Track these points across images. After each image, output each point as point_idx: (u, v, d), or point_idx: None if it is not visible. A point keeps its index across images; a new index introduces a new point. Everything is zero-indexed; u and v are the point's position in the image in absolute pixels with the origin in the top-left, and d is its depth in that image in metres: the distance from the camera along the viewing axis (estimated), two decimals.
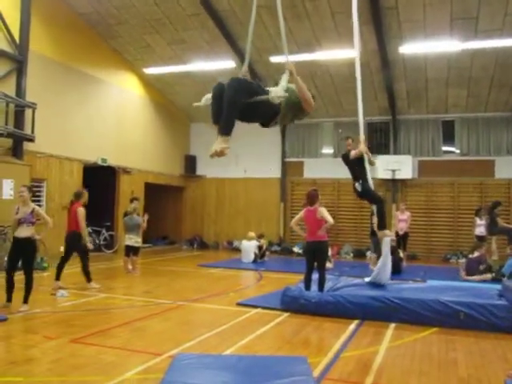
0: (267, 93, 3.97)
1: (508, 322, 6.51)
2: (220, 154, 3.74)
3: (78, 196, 9.56)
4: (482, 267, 10.76)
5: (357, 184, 8.08)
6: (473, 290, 8.16)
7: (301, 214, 8.37)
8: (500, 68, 14.18)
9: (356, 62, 8.04)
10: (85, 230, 9.34)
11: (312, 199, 8.13)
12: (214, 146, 3.74)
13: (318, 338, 6.36)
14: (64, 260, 9.26)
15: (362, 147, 8.00)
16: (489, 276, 10.50)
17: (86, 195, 9.64)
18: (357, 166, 8.09)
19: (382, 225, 8.35)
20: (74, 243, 9.26)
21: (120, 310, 7.66)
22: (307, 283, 8.01)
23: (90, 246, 9.75)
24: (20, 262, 7.33)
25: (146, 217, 11.99)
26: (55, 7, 13.74)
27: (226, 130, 3.75)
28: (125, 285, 9.90)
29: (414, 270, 12.65)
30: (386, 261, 8.40)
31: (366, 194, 8.13)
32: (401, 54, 14.14)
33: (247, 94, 3.84)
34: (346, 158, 8.31)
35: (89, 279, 9.37)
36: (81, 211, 9.22)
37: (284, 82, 4.10)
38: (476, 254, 11.02)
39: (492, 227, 12.60)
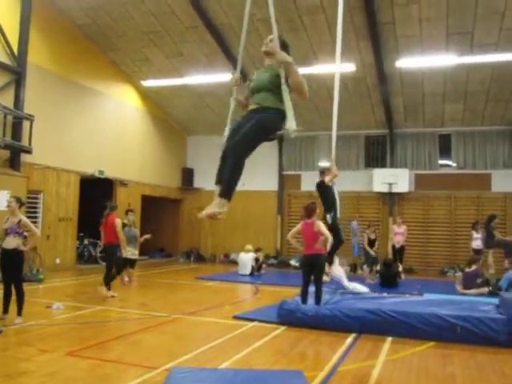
0: (270, 118, 3.83)
1: (505, 336, 6.48)
2: (212, 217, 3.60)
3: (113, 208, 10.21)
4: (479, 281, 10.75)
5: (328, 216, 8.40)
6: (470, 303, 8.15)
7: (298, 226, 8.36)
8: (496, 82, 14.30)
9: (336, 75, 8.14)
10: (124, 241, 10.05)
11: (310, 212, 8.10)
12: (209, 207, 3.61)
13: (315, 351, 6.33)
14: (118, 270, 10.13)
15: (335, 169, 8.10)
16: (486, 290, 10.48)
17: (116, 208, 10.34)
18: (328, 196, 8.41)
19: (331, 260, 8.91)
20: (112, 254, 9.84)
21: (116, 322, 7.62)
22: (304, 296, 7.97)
23: (124, 253, 10.45)
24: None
25: (148, 236, 12.04)
26: (54, 19, 13.84)
27: (227, 195, 3.63)
28: (121, 297, 9.84)
29: (410, 283, 12.63)
30: (346, 285, 9.17)
31: (333, 228, 8.47)
32: (397, 69, 14.24)
33: (255, 146, 3.77)
34: (320, 187, 8.46)
35: (108, 287, 9.63)
36: (119, 222, 9.89)
37: (289, 102, 3.81)
38: (473, 267, 11.01)
39: (488, 240, 12.62)
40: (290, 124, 3.77)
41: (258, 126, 3.77)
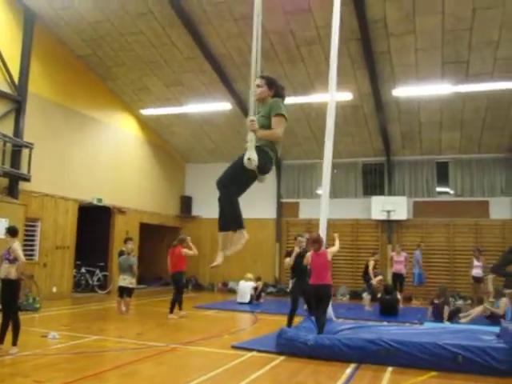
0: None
1: (507, 365, 6.38)
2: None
3: (182, 240, 11.37)
4: (448, 310, 10.67)
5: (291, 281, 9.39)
6: (470, 332, 8.08)
7: (308, 257, 8.33)
8: (491, 111, 14.45)
9: (330, 104, 8.21)
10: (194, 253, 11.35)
11: (320, 244, 8.15)
12: (217, 259, 4.02)
13: (314, 382, 6.22)
14: (178, 295, 11.06)
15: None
16: (485, 311, 10.53)
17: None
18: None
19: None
20: (180, 280, 11.09)
21: (112, 352, 7.51)
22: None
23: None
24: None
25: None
26: (55, 49, 14.01)
27: (223, 227, 3.95)
28: (117, 326, 9.73)
29: (410, 311, 12.54)
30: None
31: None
32: (394, 97, 14.40)
33: (238, 179, 3.77)
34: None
35: (171, 311, 10.90)
36: (185, 251, 11.15)
37: (250, 133, 3.70)
38: (441, 299, 11.02)
39: (500, 267, 12.54)
40: (245, 157, 3.64)
41: (237, 162, 3.76)
